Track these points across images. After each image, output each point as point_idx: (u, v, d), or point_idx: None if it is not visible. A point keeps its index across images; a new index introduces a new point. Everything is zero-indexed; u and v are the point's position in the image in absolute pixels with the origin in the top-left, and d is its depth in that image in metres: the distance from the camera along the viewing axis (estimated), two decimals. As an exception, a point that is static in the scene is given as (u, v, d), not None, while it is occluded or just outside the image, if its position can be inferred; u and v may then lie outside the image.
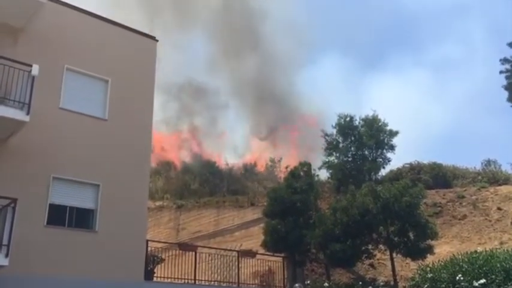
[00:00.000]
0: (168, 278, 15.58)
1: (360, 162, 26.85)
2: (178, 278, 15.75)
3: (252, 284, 18.64)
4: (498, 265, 12.72)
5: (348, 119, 27.63)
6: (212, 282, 18.10)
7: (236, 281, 17.59)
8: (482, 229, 21.48)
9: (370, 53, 72.55)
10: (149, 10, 41.50)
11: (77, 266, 12.77)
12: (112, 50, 15.54)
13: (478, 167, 30.57)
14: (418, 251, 16.83)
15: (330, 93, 61.19)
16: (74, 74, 14.39)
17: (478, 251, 14.50)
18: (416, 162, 29.92)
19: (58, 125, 13.63)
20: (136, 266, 14.02)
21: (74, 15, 14.97)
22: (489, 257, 13.30)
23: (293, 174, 19.96)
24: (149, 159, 16.26)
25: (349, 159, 27.35)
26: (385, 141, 26.87)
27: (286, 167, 29.10)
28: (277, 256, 18.66)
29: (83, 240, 13.24)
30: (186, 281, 15.95)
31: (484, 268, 12.85)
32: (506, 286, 12.24)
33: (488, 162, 30.60)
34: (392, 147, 26.85)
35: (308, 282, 18.22)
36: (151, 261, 15.21)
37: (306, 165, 20.42)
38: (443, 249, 19.65)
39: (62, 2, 14.81)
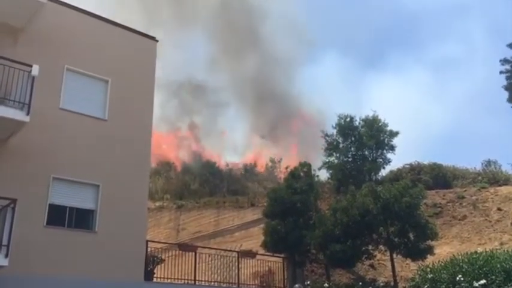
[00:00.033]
0: (168, 278, 15.57)
1: (360, 163, 26.84)
2: (178, 279, 15.73)
3: (252, 285, 18.62)
4: (498, 266, 12.70)
5: (348, 119, 27.62)
6: (212, 283, 18.12)
7: (236, 281, 17.59)
8: (483, 230, 21.47)
9: (370, 53, 72.68)
10: (149, 9, 41.58)
11: (76, 266, 12.77)
12: (112, 50, 15.54)
13: (478, 167, 30.62)
14: (418, 252, 16.83)
15: (330, 92, 61.37)
16: (74, 74, 14.39)
17: (478, 251, 14.47)
18: (416, 162, 29.95)
19: (58, 125, 13.63)
20: (136, 266, 14.01)
21: (74, 15, 14.98)
22: (489, 258, 13.27)
23: (293, 174, 19.96)
24: (149, 160, 16.27)
25: (349, 159, 27.35)
26: (385, 141, 26.85)
27: (286, 168, 29.14)
28: (277, 257, 18.65)
29: (83, 240, 13.24)
30: (186, 281, 15.94)
31: (484, 269, 12.83)
32: (506, 287, 12.22)
33: (489, 163, 30.63)
34: (392, 148, 26.85)
35: (308, 282, 18.22)
36: (151, 262, 15.20)
37: (306, 166, 20.41)
38: (444, 250, 19.63)
39: (62, 2, 14.82)
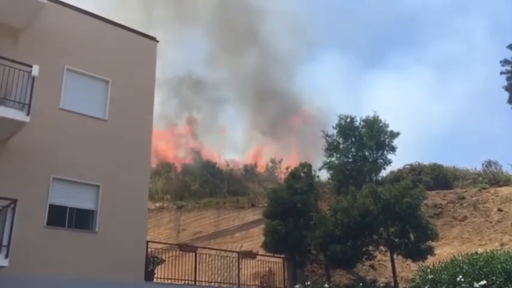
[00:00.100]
0: (168, 279, 15.55)
1: (361, 163, 26.79)
2: (178, 279, 15.72)
3: (253, 285, 18.60)
4: (499, 266, 12.69)
5: (348, 119, 27.57)
6: (212, 283, 18.12)
7: (236, 282, 17.58)
8: (483, 230, 21.46)
9: (371, 52, 72.69)
10: (149, 8, 41.59)
11: (77, 266, 12.76)
12: (112, 51, 15.53)
13: (479, 168, 30.66)
14: (418, 252, 16.82)
15: (330, 91, 61.35)
16: (74, 75, 14.38)
17: (479, 252, 14.45)
18: (416, 163, 29.94)
19: (58, 126, 13.62)
20: (136, 266, 14.00)
21: (75, 15, 14.97)
22: (490, 259, 13.27)
23: (293, 175, 19.95)
24: (149, 160, 16.27)
25: (350, 160, 27.31)
26: (386, 142, 26.80)
27: (287, 168, 29.12)
28: (278, 257, 18.64)
29: (83, 241, 13.23)
30: (187, 282, 15.93)
31: (485, 269, 12.83)
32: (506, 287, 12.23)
33: (489, 163, 30.65)
34: (393, 149, 26.76)
35: (308, 283, 18.20)
36: (152, 262, 15.20)
37: (306, 166, 20.40)
38: (444, 251, 19.62)
39: (63, 2, 14.81)
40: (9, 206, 10.87)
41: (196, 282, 16.26)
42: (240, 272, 17.77)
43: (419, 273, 14.83)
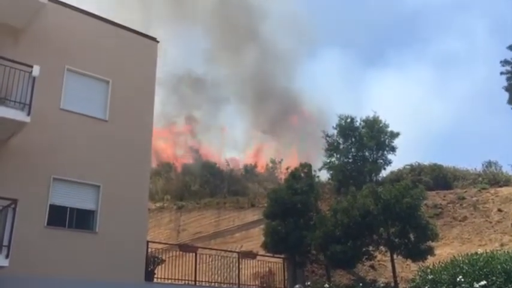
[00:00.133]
0: (168, 279, 15.56)
1: (361, 164, 26.81)
2: (178, 279, 15.73)
3: (253, 285, 18.60)
4: (499, 267, 12.68)
5: (348, 120, 27.60)
6: (213, 283, 18.13)
7: (236, 282, 17.59)
8: (483, 231, 21.46)
9: (371, 50, 72.67)
10: (148, 7, 41.59)
11: (77, 267, 12.77)
12: (113, 51, 15.54)
13: (479, 168, 30.65)
14: (418, 253, 16.82)
15: (330, 90, 61.36)
16: (74, 75, 14.40)
17: (479, 252, 14.45)
18: (416, 163, 29.95)
19: (59, 126, 13.64)
20: (136, 267, 14.02)
21: (75, 16, 14.98)
22: (490, 259, 13.26)
23: (293, 175, 19.95)
24: (149, 160, 16.28)
25: (350, 160, 27.33)
26: (386, 142, 26.83)
27: (287, 168, 29.08)
28: (278, 257, 18.65)
29: (83, 241, 13.24)
30: (187, 282, 15.94)
31: (485, 270, 12.82)
32: (506, 288, 12.24)
33: (489, 164, 30.66)
34: (393, 149, 26.80)
35: (308, 283, 18.21)
36: (152, 262, 15.20)
37: (306, 167, 20.41)
38: (444, 251, 19.62)
39: (63, 2, 14.83)
40: (10, 206, 10.87)
41: (197, 282, 16.27)
42: (240, 272, 17.77)
43: (419, 273, 14.83)
